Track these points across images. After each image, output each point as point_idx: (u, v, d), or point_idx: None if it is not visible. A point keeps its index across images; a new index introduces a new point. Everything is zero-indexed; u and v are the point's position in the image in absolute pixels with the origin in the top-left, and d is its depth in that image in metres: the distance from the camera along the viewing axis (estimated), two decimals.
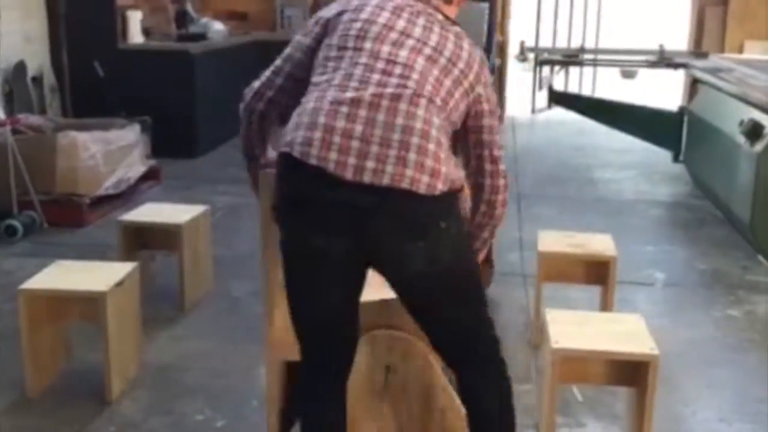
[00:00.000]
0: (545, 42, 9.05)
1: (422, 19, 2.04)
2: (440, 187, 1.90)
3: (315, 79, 2.02)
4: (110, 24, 6.55)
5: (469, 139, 2.07)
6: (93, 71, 6.48)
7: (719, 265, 4.54)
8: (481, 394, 2.14)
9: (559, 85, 7.98)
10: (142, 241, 3.80)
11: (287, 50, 2.16)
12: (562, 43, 8.45)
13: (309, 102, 1.95)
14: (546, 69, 7.95)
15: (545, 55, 7.70)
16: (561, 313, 2.76)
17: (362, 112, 1.90)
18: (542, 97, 7.96)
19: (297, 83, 2.10)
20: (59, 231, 4.87)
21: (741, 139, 4.76)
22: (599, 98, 6.88)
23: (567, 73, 8.13)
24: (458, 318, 2.06)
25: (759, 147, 4.53)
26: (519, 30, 9.80)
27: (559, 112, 8.08)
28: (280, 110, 2.16)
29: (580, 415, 2.90)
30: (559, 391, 2.91)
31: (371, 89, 1.92)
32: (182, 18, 7.19)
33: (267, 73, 2.18)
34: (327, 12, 2.11)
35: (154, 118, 6.27)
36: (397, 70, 1.96)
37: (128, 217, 3.86)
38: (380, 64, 1.96)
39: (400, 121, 1.90)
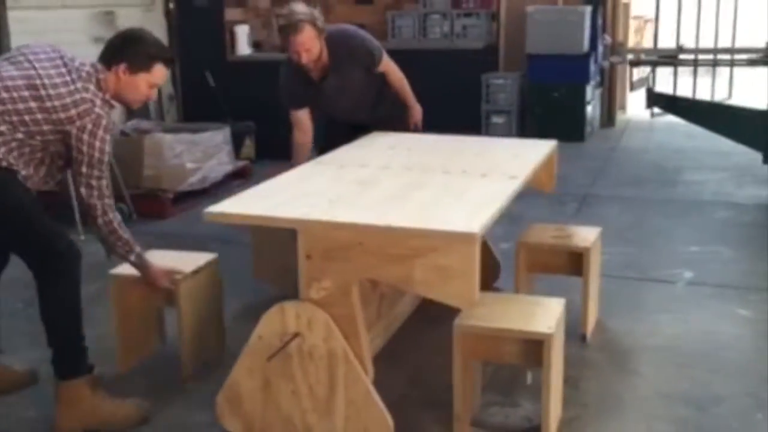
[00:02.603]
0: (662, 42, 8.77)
1: None
2: None
3: None
4: (220, 38, 7.19)
5: None
6: (205, 81, 7.14)
7: (763, 267, 4.33)
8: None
9: (668, 88, 7.72)
10: None
11: None
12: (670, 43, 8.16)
13: None
14: (646, 70, 7.70)
15: (642, 56, 7.48)
16: (490, 296, 2.86)
17: None
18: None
19: None
20: (145, 221, 5.45)
21: None
22: (694, 99, 6.61)
23: (675, 74, 7.83)
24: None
25: None
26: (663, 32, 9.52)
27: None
28: None
29: (518, 397, 2.97)
30: (513, 372, 3.03)
31: None
32: None
33: None
34: None
35: (258, 123, 6.81)
36: None
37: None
38: None
39: None
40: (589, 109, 7.87)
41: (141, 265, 3.02)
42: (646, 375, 3.17)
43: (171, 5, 7.07)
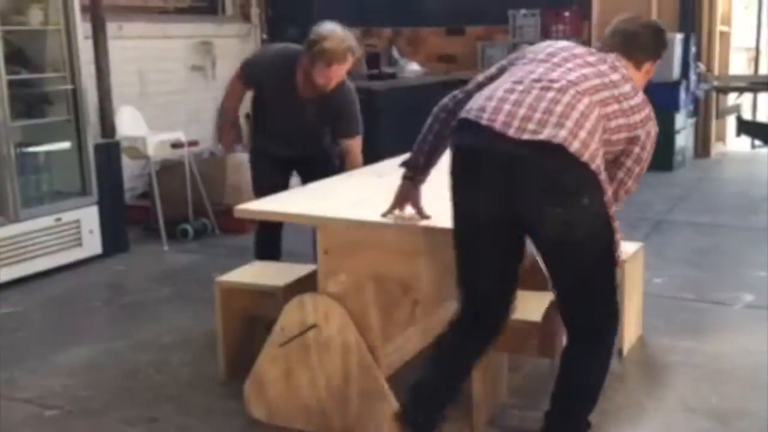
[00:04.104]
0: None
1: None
2: (585, 154, 2.18)
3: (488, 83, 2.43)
4: None
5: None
6: None
7: None
8: (574, 365, 2.42)
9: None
10: None
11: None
12: None
13: (483, 91, 2.38)
14: (732, 97, 7.48)
15: (731, 83, 7.29)
16: None
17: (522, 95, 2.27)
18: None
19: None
20: (225, 236, 5.74)
21: None
22: None
23: None
24: (577, 290, 2.36)
25: None
26: None
27: None
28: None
29: (541, 402, 2.96)
30: (543, 380, 3.07)
31: (527, 82, 2.31)
32: (375, 60, 7.96)
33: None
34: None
35: None
36: (554, 74, 2.33)
37: None
38: (540, 68, 2.36)
39: (543, 103, 2.24)
40: (679, 138, 7.72)
41: None
42: (675, 388, 3.13)
43: (265, 36, 7.48)
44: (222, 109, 4.15)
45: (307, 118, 3.78)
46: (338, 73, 3.58)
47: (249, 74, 3.87)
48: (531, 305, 2.76)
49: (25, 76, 4.84)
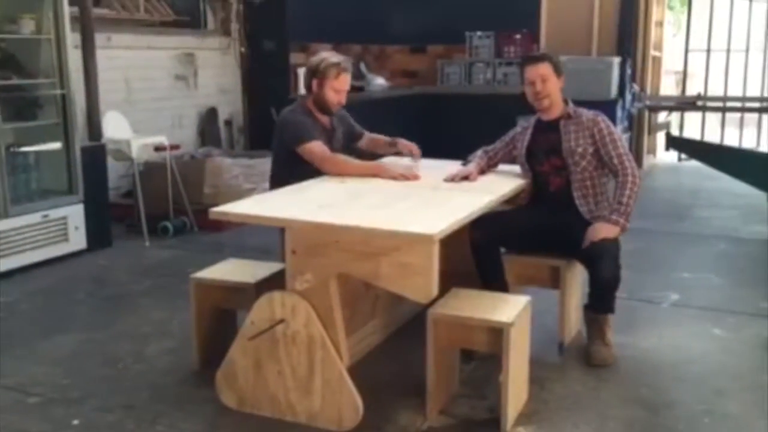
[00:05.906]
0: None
1: None
2: None
3: None
4: (285, 78, 7.42)
5: None
6: (271, 115, 7.37)
7: (746, 293, 4.19)
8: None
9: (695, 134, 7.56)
10: None
11: None
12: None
13: None
14: (663, 115, 7.56)
15: (661, 103, 7.35)
16: (464, 291, 2.89)
17: None
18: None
19: None
20: (203, 233, 5.63)
21: None
22: (704, 142, 6.47)
23: (703, 121, 7.64)
24: None
25: None
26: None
27: None
28: None
29: (488, 392, 2.96)
30: (488, 372, 3.03)
31: None
32: None
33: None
34: None
35: None
36: None
37: None
38: None
39: None
40: None
41: None
42: (609, 380, 3.11)
43: (243, 49, 7.36)
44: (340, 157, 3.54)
45: (340, 145, 3.73)
46: (346, 82, 3.57)
47: (313, 133, 3.51)
48: (503, 307, 2.75)
49: (16, 81, 4.69)
